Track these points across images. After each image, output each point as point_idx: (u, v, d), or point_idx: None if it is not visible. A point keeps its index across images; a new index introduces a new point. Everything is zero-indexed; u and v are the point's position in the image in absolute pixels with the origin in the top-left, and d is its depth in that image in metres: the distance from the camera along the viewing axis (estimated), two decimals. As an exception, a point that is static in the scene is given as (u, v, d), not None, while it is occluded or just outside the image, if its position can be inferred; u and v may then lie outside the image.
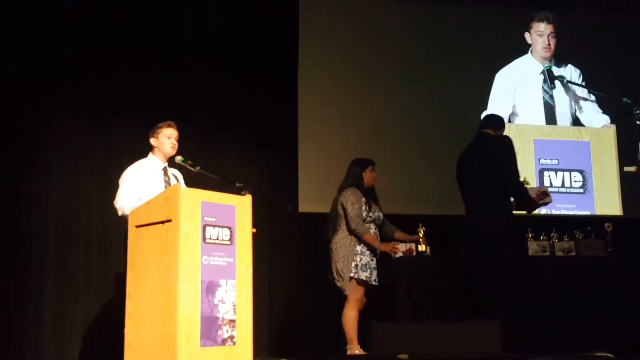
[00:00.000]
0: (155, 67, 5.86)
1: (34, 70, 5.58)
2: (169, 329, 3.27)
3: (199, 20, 6.13)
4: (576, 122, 6.97)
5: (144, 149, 4.51)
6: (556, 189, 6.70)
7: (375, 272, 4.96)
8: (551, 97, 6.94)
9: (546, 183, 6.67)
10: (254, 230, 3.68)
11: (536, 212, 6.56)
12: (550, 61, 7.00)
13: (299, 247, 6.06)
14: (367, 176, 5.09)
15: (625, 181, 6.88)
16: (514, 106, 6.82)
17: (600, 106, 7.03)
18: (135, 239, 3.60)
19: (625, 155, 6.93)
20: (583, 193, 6.75)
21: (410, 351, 4.50)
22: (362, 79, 6.56)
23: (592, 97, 7.05)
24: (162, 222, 3.43)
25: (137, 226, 3.59)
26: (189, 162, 4.32)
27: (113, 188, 4.38)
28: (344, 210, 4.93)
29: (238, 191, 3.85)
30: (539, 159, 6.73)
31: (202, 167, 4.28)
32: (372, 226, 5.00)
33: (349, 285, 4.86)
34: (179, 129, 4.49)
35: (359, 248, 4.90)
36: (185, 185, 4.44)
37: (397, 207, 5.64)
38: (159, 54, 5.90)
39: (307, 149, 6.27)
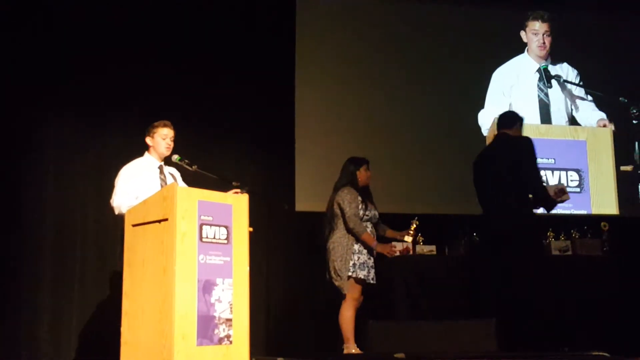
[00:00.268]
0: (152, 66, 5.85)
1: (30, 69, 5.56)
2: (166, 328, 3.26)
3: (196, 19, 6.12)
4: (572, 121, 6.98)
5: (140, 148, 4.51)
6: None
7: (372, 271, 4.97)
8: (546, 95, 6.95)
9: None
10: (251, 229, 3.67)
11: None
12: (546, 60, 7.01)
13: (296, 246, 6.06)
14: (362, 175, 5.09)
15: (622, 180, 6.89)
16: (510, 104, 6.83)
17: (597, 105, 7.04)
18: (131, 237, 3.60)
19: (621, 154, 6.94)
20: (579, 192, 6.76)
21: (406, 350, 4.51)
22: (359, 78, 6.56)
23: (589, 97, 7.06)
24: (159, 221, 3.42)
25: (134, 225, 3.59)
26: (186, 160, 4.32)
27: (109, 187, 4.38)
28: (341, 209, 4.94)
29: (235, 190, 3.85)
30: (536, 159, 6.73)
31: (198, 166, 4.28)
32: (369, 225, 5.01)
33: (347, 285, 4.87)
34: (175, 128, 4.48)
35: (356, 247, 4.91)
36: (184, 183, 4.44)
37: (394, 206, 5.65)
38: (156, 53, 5.89)
39: (304, 148, 6.27)
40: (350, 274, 4.86)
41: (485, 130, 6.73)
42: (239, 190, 3.97)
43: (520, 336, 4.47)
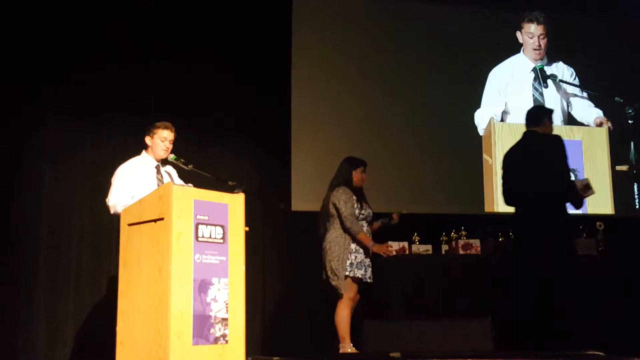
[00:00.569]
0: (148, 65, 5.84)
1: (25, 68, 5.55)
2: (161, 328, 3.26)
3: (192, 18, 6.11)
4: (568, 120, 7.00)
5: (137, 147, 4.50)
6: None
7: (369, 270, 4.98)
8: (541, 95, 6.96)
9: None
10: (247, 228, 3.67)
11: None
12: (542, 60, 7.02)
13: (292, 245, 6.06)
14: (357, 176, 5.10)
15: (617, 180, 6.91)
16: (505, 104, 6.84)
17: (593, 104, 7.05)
18: (127, 237, 3.59)
19: (617, 154, 6.95)
20: (575, 192, 6.76)
21: (402, 349, 4.52)
22: (355, 77, 6.56)
23: (584, 95, 7.07)
24: (155, 221, 3.42)
25: (130, 224, 3.58)
26: (182, 160, 4.32)
27: (105, 186, 4.37)
28: (337, 209, 4.94)
29: (231, 189, 3.85)
30: (532, 158, 6.74)
31: (194, 165, 4.27)
32: (364, 224, 5.02)
33: (344, 284, 4.87)
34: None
35: (353, 246, 4.92)
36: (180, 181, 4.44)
37: (390, 206, 5.64)
38: (152, 52, 5.88)
39: (300, 147, 6.27)
40: (347, 273, 4.87)
41: (481, 130, 6.74)
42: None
43: (544, 336, 4.45)
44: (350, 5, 6.70)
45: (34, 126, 5.58)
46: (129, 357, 3.44)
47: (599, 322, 5.25)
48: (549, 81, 6.99)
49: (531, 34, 6.97)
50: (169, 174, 4.51)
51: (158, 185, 4.31)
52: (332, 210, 4.97)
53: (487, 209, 6.58)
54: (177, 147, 4.48)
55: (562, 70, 7.06)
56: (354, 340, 4.90)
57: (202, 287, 3.38)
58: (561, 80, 7.02)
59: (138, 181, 4.28)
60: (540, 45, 6.96)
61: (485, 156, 6.69)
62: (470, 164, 6.64)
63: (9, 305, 5.29)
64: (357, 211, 4.96)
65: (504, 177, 4.88)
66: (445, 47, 6.80)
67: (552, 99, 6.97)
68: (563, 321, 4.44)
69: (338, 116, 6.43)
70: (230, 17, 6.24)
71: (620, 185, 6.92)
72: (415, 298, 5.23)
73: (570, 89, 7.04)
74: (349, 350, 4.87)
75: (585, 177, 4.86)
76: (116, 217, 4.08)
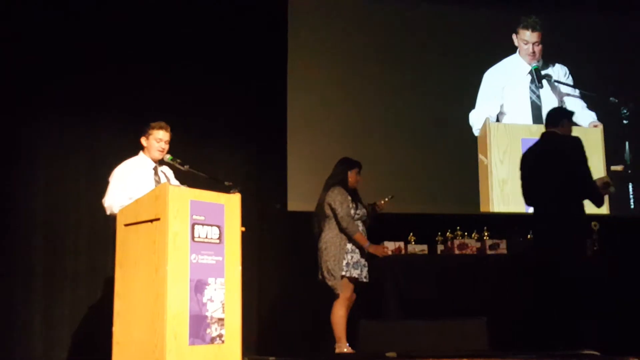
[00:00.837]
0: (144, 65, 5.84)
1: (20, 68, 5.54)
2: (158, 328, 3.26)
3: (187, 18, 6.11)
4: (563, 121, 7.01)
5: (133, 147, 4.50)
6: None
7: (365, 269, 4.99)
8: (538, 97, 6.97)
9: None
10: (243, 228, 3.68)
11: (523, 211, 6.63)
12: (538, 61, 7.03)
13: (288, 245, 6.07)
14: (352, 177, 5.11)
15: (613, 180, 6.90)
16: (501, 105, 6.86)
17: (587, 105, 7.08)
18: (123, 237, 3.60)
19: (612, 154, 6.97)
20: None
21: (398, 349, 4.53)
22: (351, 78, 6.57)
23: (579, 96, 7.09)
24: (151, 221, 3.42)
25: (126, 225, 3.59)
26: (178, 160, 4.32)
27: (101, 186, 4.37)
28: (332, 210, 4.95)
29: (227, 190, 3.85)
30: (527, 158, 6.76)
31: (190, 166, 4.27)
32: (360, 224, 5.03)
33: (340, 284, 4.88)
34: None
35: (349, 246, 4.93)
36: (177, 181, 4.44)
37: (387, 206, 5.64)
38: (148, 52, 5.88)
39: (296, 147, 6.28)
40: (343, 273, 4.88)
41: (476, 130, 6.75)
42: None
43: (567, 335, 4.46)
44: (347, 6, 6.70)
45: (30, 127, 5.57)
46: (126, 357, 3.45)
47: (595, 321, 5.27)
48: (544, 82, 7.01)
49: (526, 40, 6.99)
50: (165, 175, 4.51)
51: (155, 186, 4.30)
52: (328, 211, 4.98)
53: (483, 208, 6.60)
54: (174, 147, 4.48)
55: (557, 71, 7.08)
56: (350, 340, 4.91)
57: (198, 287, 3.39)
58: (556, 81, 7.04)
59: (135, 182, 4.28)
60: (534, 52, 6.98)
61: (480, 156, 6.71)
62: (465, 164, 6.66)
63: (5, 305, 5.29)
64: (352, 211, 4.97)
65: (523, 178, 4.89)
66: (441, 48, 6.81)
67: (548, 99, 6.99)
68: (583, 321, 4.44)
69: (334, 116, 6.44)
70: (226, 17, 6.23)
71: (615, 185, 6.92)
72: (411, 298, 5.24)
73: (565, 90, 7.06)
74: (345, 350, 4.88)
75: (603, 177, 4.87)
76: (112, 218, 4.08)
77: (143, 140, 4.44)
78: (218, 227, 3.52)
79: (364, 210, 5.10)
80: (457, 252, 5.80)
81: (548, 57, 7.07)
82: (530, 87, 6.99)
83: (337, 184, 5.04)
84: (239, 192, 3.75)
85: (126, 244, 3.57)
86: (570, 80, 7.08)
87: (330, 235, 4.95)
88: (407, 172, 6.49)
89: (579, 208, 4.64)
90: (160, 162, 4.46)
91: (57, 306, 5.42)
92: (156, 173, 4.43)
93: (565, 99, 7.05)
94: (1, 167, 5.44)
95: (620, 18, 7.27)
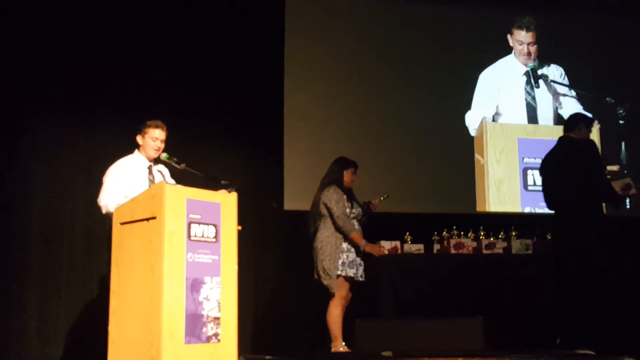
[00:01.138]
0: (140, 64, 5.84)
1: (15, 68, 5.53)
2: (154, 326, 3.26)
3: (184, 17, 6.10)
4: (559, 121, 7.01)
5: (128, 146, 4.49)
6: (540, 188, 6.69)
7: (361, 268, 4.99)
8: (533, 98, 6.98)
9: (530, 182, 6.72)
10: (240, 227, 3.68)
11: (519, 210, 6.64)
12: (534, 61, 7.04)
13: (284, 244, 6.07)
14: (347, 176, 5.11)
15: (635, 182, 6.90)
16: (497, 106, 6.87)
17: (584, 105, 7.08)
18: (119, 236, 3.59)
19: (608, 154, 6.98)
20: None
21: (394, 348, 4.54)
22: (348, 77, 6.57)
23: (575, 96, 7.10)
24: (147, 220, 3.42)
25: (122, 223, 3.58)
26: (174, 159, 4.31)
27: (97, 185, 4.36)
28: (328, 209, 4.95)
29: (224, 188, 3.85)
30: (523, 158, 6.77)
31: (187, 164, 4.27)
32: (355, 223, 5.03)
33: (336, 283, 4.88)
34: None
35: (344, 245, 4.93)
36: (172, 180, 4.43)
37: (383, 205, 5.65)
38: (145, 51, 5.88)
39: (292, 146, 6.28)
40: (339, 272, 4.88)
41: (472, 131, 6.76)
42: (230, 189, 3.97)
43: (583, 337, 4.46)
44: (343, 6, 6.70)
45: (25, 125, 5.57)
46: (121, 356, 3.44)
47: (590, 321, 5.28)
48: (541, 82, 7.02)
49: (520, 41, 7.00)
50: (161, 173, 4.50)
51: (149, 185, 4.29)
52: (323, 210, 4.98)
53: (479, 208, 6.61)
54: (170, 146, 4.47)
55: (553, 71, 7.09)
56: (346, 339, 4.91)
57: (194, 286, 3.38)
58: (553, 81, 7.05)
59: (129, 180, 4.27)
60: (529, 53, 6.99)
61: (477, 156, 6.72)
62: (462, 163, 6.67)
63: (1, 305, 5.27)
64: (347, 210, 4.97)
65: (543, 183, 4.91)
66: (437, 49, 6.82)
67: (543, 100, 7.00)
68: (603, 322, 4.44)
69: (331, 116, 6.44)
70: (223, 17, 6.23)
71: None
72: (407, 297, 5.24)
73: (562, 90, 7.07)
74: (341, 349, 4.88)
75: (624, 179, 4.86)
76: (108, 217, 4.07)
77: (139, 139, 4.43)
78: (214, 225, 3.52)
79: (359, 209, 5.11)
80: (453, 251, 5.81)
81: (543, 57, 7.08)
82: (525, 88, 7.00)
83: (333, 183, 5.04)
84: (236, 190, 3.75)
85: (122, 242, 3.56)
86: (566, 81, 7.10)
87: (325, 235, 4.95)
88: (404, 171, 6.49)
89: (595, 210, 4.64)
90: (156, 160, 4.45)
91: (53, 304, 5.42)
92: (150, 172, 4.42)
93: (562, 99, 7.06)
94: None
95: (616, 18, 7.28)
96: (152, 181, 4.37)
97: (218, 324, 3.44)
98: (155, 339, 3.24)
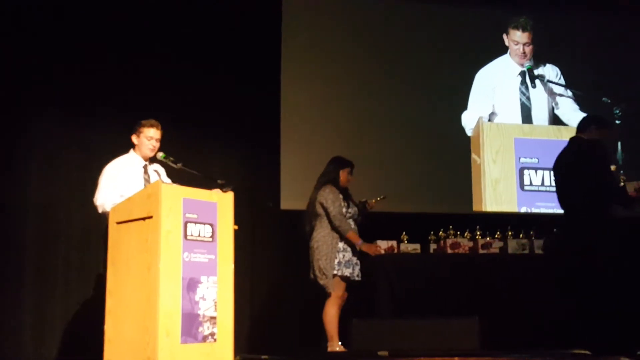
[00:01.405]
0: (138, 63, 5.82)
1: (15, 68, 5.52)
2: (150, 326, 3.26)
3: (180, 15, 6.10)
4: (555, 121, 7.03)
5: (124, 146, 4.49)
6: (536, 188, 6.76)
7: (357, 268, 5.00)
8: (528, 98, 6.99)
9: (526, 182, 6.73)
10: (236, 227, 3.68)
11: (516, 210, 6.64)
12: (530, 60, 7.05)
13: (281, 244, 6.06)
14: (344, 176, 5.11)
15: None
16: (493, 105, 6.87)
17: (580, 105, 7.09)
18: (115, 235, 3.59)
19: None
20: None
21: (390, 348, 4.54)
22: (345, 76, 6.57)
23: (572, 96, 7.11)
24: (143, 219, 3.42)
25: (118, 223, 3.58)
26: (171, 158, 4.31)
27: (93, 184, 4.36)
28: (324, 209, 4.95)
29: (220, 188, 3.85)
30: (519, 158, 6.78)
31: (184, 164, 4.27)
32: (351, 222, 5.03)
33: (332, 283, 4.88)
34: (161, 126, 4.46)
35: (340, 245, 4.93)
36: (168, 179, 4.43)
37: (379, 205, 5.66)
38: (142, 50, 5.87)
39: (289, 146, 6.28)
40: (335, 272, 4.88)
41: (469, 131, 6.76)
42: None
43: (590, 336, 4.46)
44: (340, 5, 6.70)
45: (21, 125, 5.55)
46: (117, 355, 3.44)
47: (586, 321, 5.29)
48: (537, 82, 7.02)
49: (516, 41, 6.99)
50: (157, 172, 4.50)
51: (145, 185, 4.29)
52: (319, 210, 4.98)
53: (475, 208, 6.61)
54: (166, 145, 4.47)
55: (549, 71, 7.10)
56: (342, 338, 4.91)
57: (190, 285, 3.38)
58: (549, 81, 7.06)
59: (125, 180, 4.27)
60: (525, 53, 6.99)
61: (473, 156, 6.73)
62: (458, 163, 6.67)
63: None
64: (344, 209, 4.97)
65: (556, 184, 4.91)
66: (434, 48, 6.82)
67: (539, 100, 7.01)
68: (602, 322, 4.45)
69: (327, 115, 6.44)
70: (219, 16, 6.22)
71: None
72: (403, 297, 5.24)
73: (558, 90, 7.08)
74: (337, 348, 4.88)
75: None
76: (104, 216, 4.07)
77: (134, 138, 4.43)
78: (211, 225, 3.52)
79: (356, 209, 5.11)
80: (449, 251, 5.81)
81: (539, 57, 7.08)
82: (520, 88, 7.00)
83: (329, 183, 5.04)
84: (232, 190, 3.75)
85: (118, 241, 3.56)
86: (562, 81, 7.10)
87: (322, 234, 4.95)
88: (400, 171, 6.49)
89: (601, 211, 4.64)
90: (152, 160, 4.45)
91: (49, 304, 5.41)
92: (146, 172, 4.42)
93: (558, 99, 7.07)
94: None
95: (613, 18, 7.29)
96: (147, 180, 4.37)
97: (214, 323, 3.44)
98: (152, 338, 3.24)
